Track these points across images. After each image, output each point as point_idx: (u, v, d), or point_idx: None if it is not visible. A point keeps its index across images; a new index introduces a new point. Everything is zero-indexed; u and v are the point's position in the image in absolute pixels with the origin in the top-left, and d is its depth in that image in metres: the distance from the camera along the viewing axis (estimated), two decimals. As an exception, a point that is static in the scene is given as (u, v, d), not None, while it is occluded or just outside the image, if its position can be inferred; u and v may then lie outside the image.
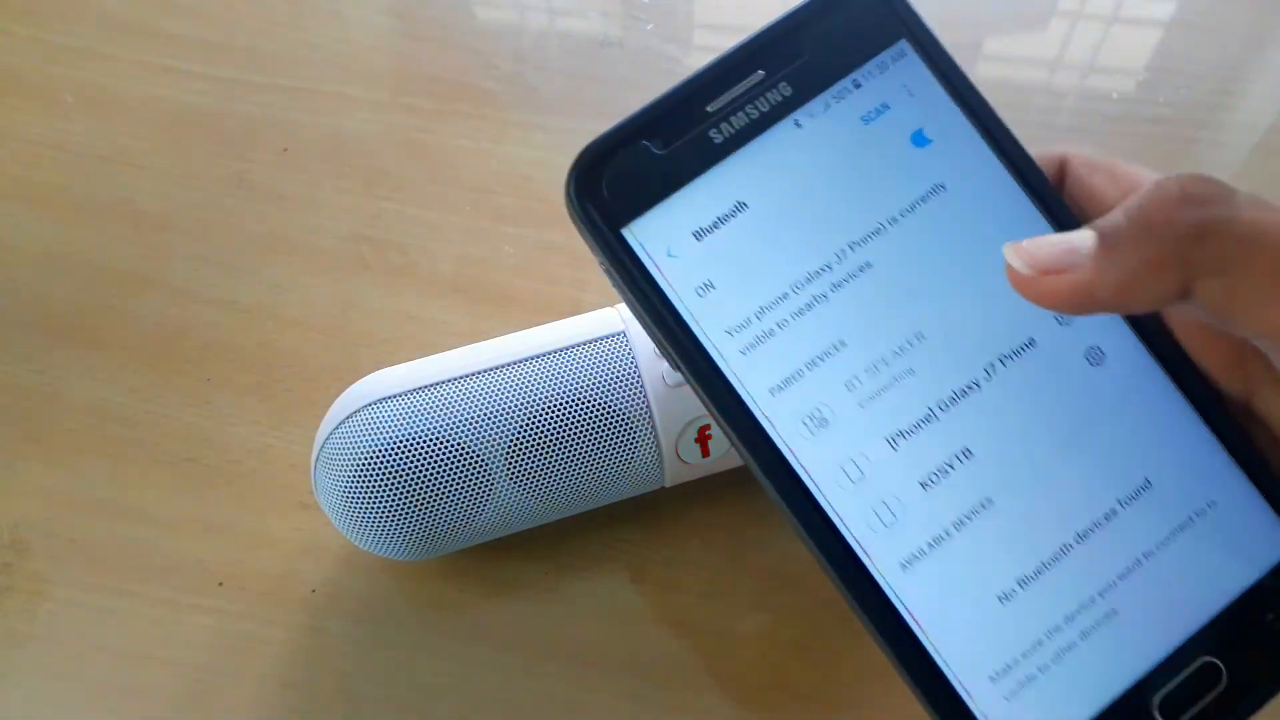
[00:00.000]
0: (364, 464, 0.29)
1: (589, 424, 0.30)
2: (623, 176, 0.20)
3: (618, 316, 0.32)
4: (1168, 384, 0.21)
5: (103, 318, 0.40)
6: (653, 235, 0.20)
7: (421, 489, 0.29)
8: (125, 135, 0.45)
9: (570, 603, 0.34)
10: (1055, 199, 0.21)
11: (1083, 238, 0.18)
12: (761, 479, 0.20)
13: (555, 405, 0.30)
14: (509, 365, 0.30)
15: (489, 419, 0.29)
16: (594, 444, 0.30)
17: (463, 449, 0.29)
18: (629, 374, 0.30)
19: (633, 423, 0.30)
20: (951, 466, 0.20)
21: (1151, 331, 0.21)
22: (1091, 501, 0.20)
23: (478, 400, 0.30)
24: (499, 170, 0.44)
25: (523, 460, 0.30)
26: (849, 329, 0.21)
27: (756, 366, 0.20)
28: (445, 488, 0.29)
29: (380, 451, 0.29)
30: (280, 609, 0.34)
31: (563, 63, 0.48)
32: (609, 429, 0.30)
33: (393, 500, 0.29)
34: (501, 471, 0.30)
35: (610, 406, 0.30)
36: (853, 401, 0.20)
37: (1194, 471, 0.20)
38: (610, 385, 0.30)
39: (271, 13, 0.49)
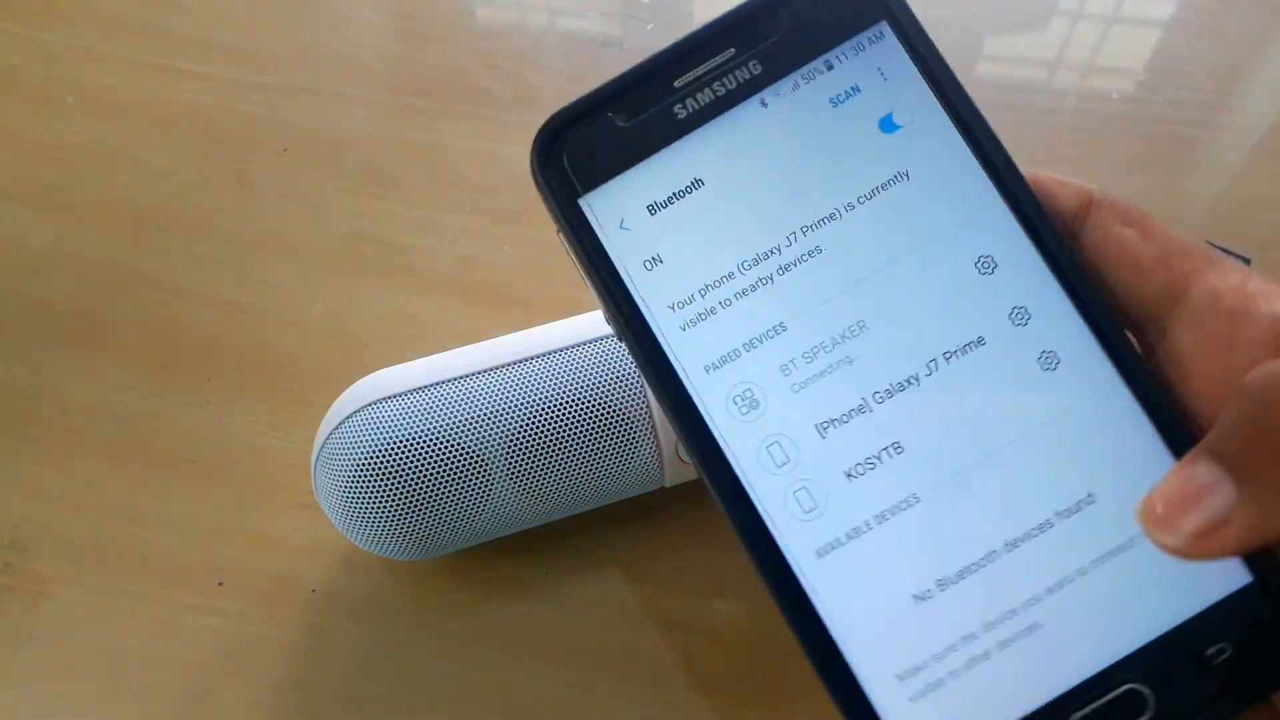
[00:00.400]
0: (364, 464, 0.29)
1: (589, 424, 0.30)
2: (584, 147, 0.21)
3: (618, 316, 0.32)
4: (1127, 397, 0.20)
5: (103, 318, 0.40)
6: (607, 206, 0.21)
7: (421, 489, 0.29)
8: (125, 135, 0.45)
9: (570, 603, 0.34)
10: (1026, 194, 0.20)
11: (1218, 485, 0.16)
12: (688, 451, 0.20)
13: (555, 405, 0.30)
14: (509, 365, 0.30)
15: (489, 419, 0.29)
16: (594, 444, 0.30)
17: (463, 449, 0.29)
18: (629, 374, 0.30)
19: (633, 423, 0.30)
20: (879, 460, 0.20)
21: (1116, 340, 0.20)
22: (1026, 510, 0.20)
23: (478, 400, 0.30)
24: (499, 170, 0.44)
25: (523, 460, 0.30)
26: (791, 313, 0.20)
27: (694, 343, 0.20)
28: (445, 488, 0.29)
29: (380, 451, 0.29)
30: (280, 609, 0.34)
31: (563, 63, 0.48)
32: (609, 429, 0.30)
33: (393, 500, 0.29)
34: (501, 472, 0.30)
35: (610, 406, 0.30)
36: (786, 386, 0.20)
37: (1145, 491, 0.19)
38: (610, 385, 0.30)
39: (271, 13, 0.49)
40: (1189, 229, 0.41)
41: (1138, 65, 0.47)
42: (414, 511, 0.29)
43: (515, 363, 0.30)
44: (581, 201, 0.21)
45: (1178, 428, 0.19)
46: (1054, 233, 0.20)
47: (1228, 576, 0.19)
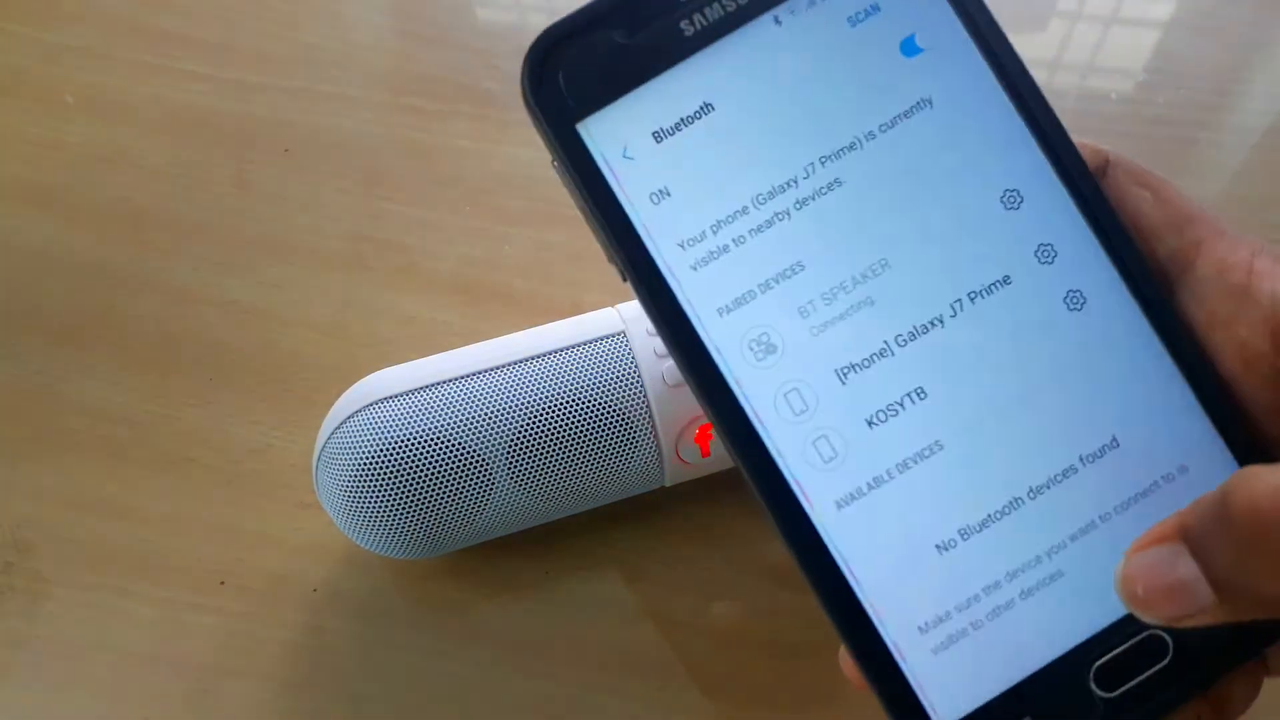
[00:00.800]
0: (365, 464, 0.29)
1: (589, 424, 0.30)
2: (582, 66, 0.19)
3: (618, 317, 0.32)
4: (1152, 338, 0.19)
5: (103, 318, 0.40)
6: (609, 133, 0.19)
7: (422, 489, 0.29)
8: (125, 135, 0.45)
9: (570, 602, 0.34)
10: (1054, 125, 0.20)
11: (1198, 585, 0.16)
12: (700, 400, 0.19)
13: (555, 405, 0.30)
14: (509, 365, 0.30)
15: (489, 419, 0.29)
16: (594, 444, 0.30)
17: (463, 449, 0.29)
18: (629, 374, 0.30)
19: (633, 423, 0.30)
20: (902, 406, 0.19)
21: (1144, 281, 0.19)
22: (1051, 456, 0.19)
23: (478, 400, 0.30)
24: (500, 171, 0.44)
25: (523, 460, 0.30)
26: (810, 251, 0.19)
27: (707, 284, 0.19)
28: (446, 487, 0.29)
29: (381, 451, 0.29)
30: (281, 608, 0.34)
31: (563, 63, 0.48)
32: (609, 429, 0.30)
33: (394, 500, 0.29)
34: (502, 471, 0.30)
35: (610, 406, 0.30)
36: (805, 329, 0.19)
37: (1169, 434, 0.19)
38: (610, 385, 0.30)
39: (272, 13, 0.49)
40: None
41: (1137, 66, 0.47)
42: (415, 511, 0.29)
43: (516, 363, 0.30)
44: (580, 127, 0.19)
45: (1202, 371, 0.19)
46: (1081, 167, 0.20)
47: None
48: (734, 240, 0.19)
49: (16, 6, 0.49)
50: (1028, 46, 0.48)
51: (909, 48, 0.20)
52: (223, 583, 0.34)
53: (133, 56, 0.48)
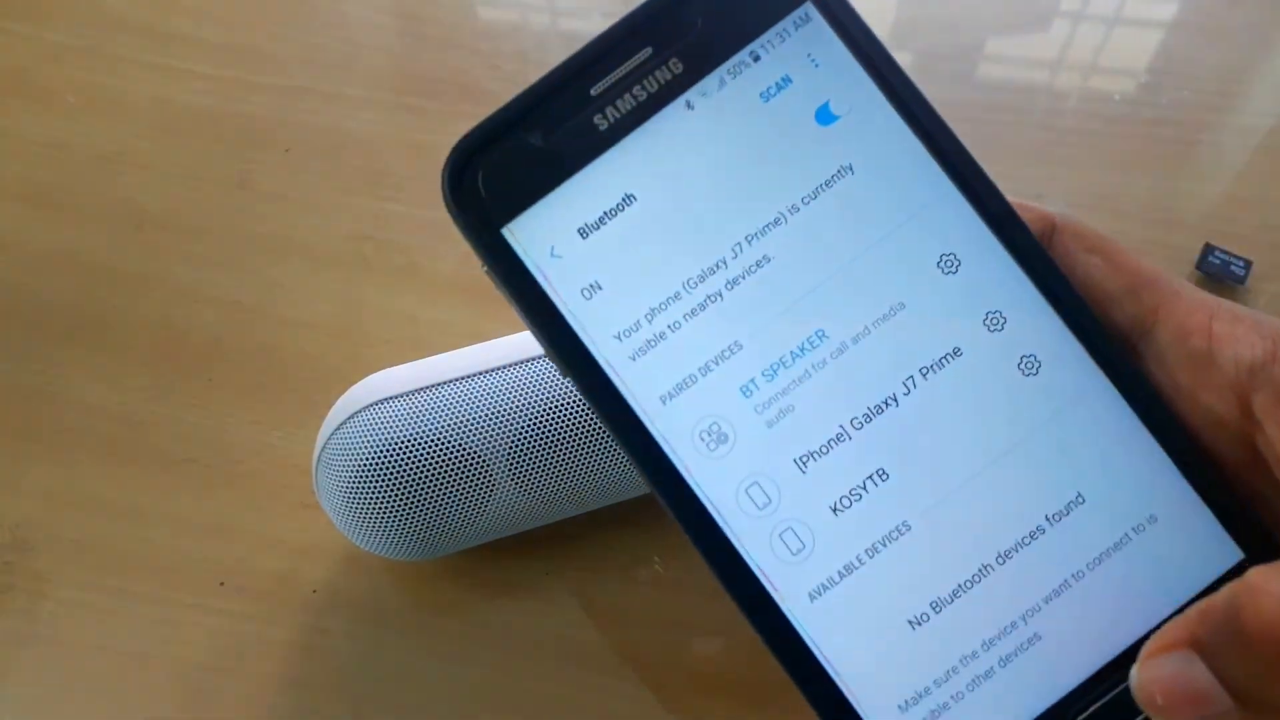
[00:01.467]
0: (366, 465, 0.29)
1: (590, 425, 0.30)
2: (500, 172, 0.19)
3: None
4: (1109, 390, 0.19)
5: (104, 318, 0.40)
6: (534, 234, 0.19)
7: (423, 490, 0.29)
8: (127, 135, 0.45)
9: (571, 603, 0.34)
10: (981, 180, 0.19)
11: (1217, 694, 0.16)
12: (658, 496, 0.19)
13: (556, 406, 0.30)
14: (511, 366, 0.30)
15: (491, 420, 0.29)
16: (595, 445, 0.30)
17: (464, 450, 0.29)
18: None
19: (634, 424, 0.30)
20: (865, 490, 0.19)
21: (1094, 333, 0.19)
22: (1017, 519, 0.19)
23: (480, 401, 0.30)
24: (500, 171, 0.44)
25: (524, 461, 0.30)
26: (745, 330, 0.19)
27: (646, 373, 0.19)
28: (447, 489, 0.29)
29: (382, 452, 0.29)
30: (281, 609, 0.34)
31: (564, 63, 0.48)
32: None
33: (394, 501, 0.29)
34: (503, 473, 0.30)
35: (611, 407, 0.30)
36: (751, 410, 0.19)
37: (1135, 485, 0.19)
38: (611, 386, 0.30)
39: (274, 13, 0.49)
40: (1190, 231, 0.41)
41: (1140, 67, 0.47)
42: (415, 512, 0.29)
43: (517, 363, 0.30)
44: (505, 231, 0.19)
45: (1162, 419, 0.19)
46: (1015, 219, 0.19)
47: (1219, 557, 0.19)
48: (669, 326, 0.19)
49: (18, 6, 0.49)
50: (1031, 47, 0.48)
51: (824, 116, 0.19)
52: (222, 583, 0.34)
53: (134, 56, 0.48)
